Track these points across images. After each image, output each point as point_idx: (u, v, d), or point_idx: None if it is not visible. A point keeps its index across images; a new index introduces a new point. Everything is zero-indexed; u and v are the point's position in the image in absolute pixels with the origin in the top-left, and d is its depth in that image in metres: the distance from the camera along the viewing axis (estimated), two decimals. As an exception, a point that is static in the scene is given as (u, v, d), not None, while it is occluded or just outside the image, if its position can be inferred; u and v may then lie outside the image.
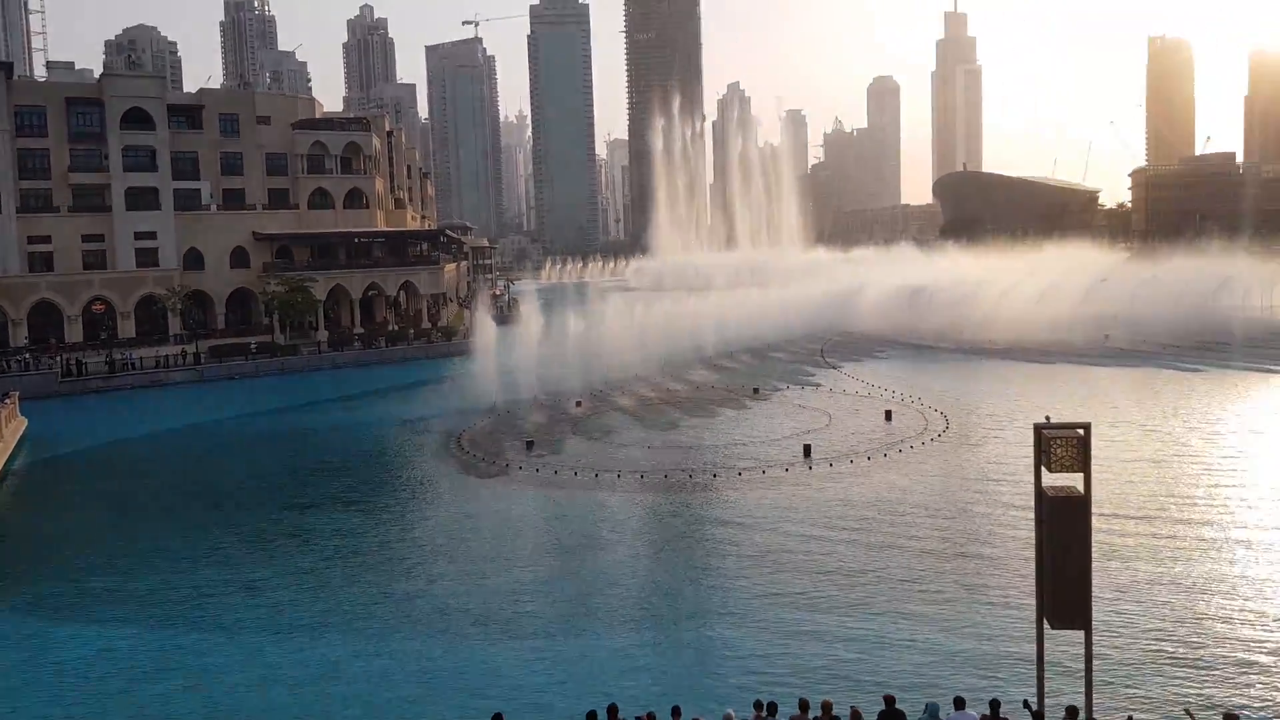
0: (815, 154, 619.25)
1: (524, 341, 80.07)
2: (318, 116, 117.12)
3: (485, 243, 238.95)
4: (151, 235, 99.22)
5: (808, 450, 47.77)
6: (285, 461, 54.99)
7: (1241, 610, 27.46)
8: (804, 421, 55.83)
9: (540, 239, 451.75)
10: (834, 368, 78.40)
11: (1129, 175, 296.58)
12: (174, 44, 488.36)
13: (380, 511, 43.12)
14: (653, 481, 44.37)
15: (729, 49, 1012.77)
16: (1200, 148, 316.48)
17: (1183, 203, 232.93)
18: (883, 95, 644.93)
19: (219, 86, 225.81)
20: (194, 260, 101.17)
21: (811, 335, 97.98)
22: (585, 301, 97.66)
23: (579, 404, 64.23)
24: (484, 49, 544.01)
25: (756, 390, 66.67)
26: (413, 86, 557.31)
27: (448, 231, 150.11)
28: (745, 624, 27.97)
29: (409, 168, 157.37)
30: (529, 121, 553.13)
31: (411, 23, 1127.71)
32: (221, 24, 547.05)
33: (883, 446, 48.71)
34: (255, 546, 38.04)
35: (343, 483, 48.63)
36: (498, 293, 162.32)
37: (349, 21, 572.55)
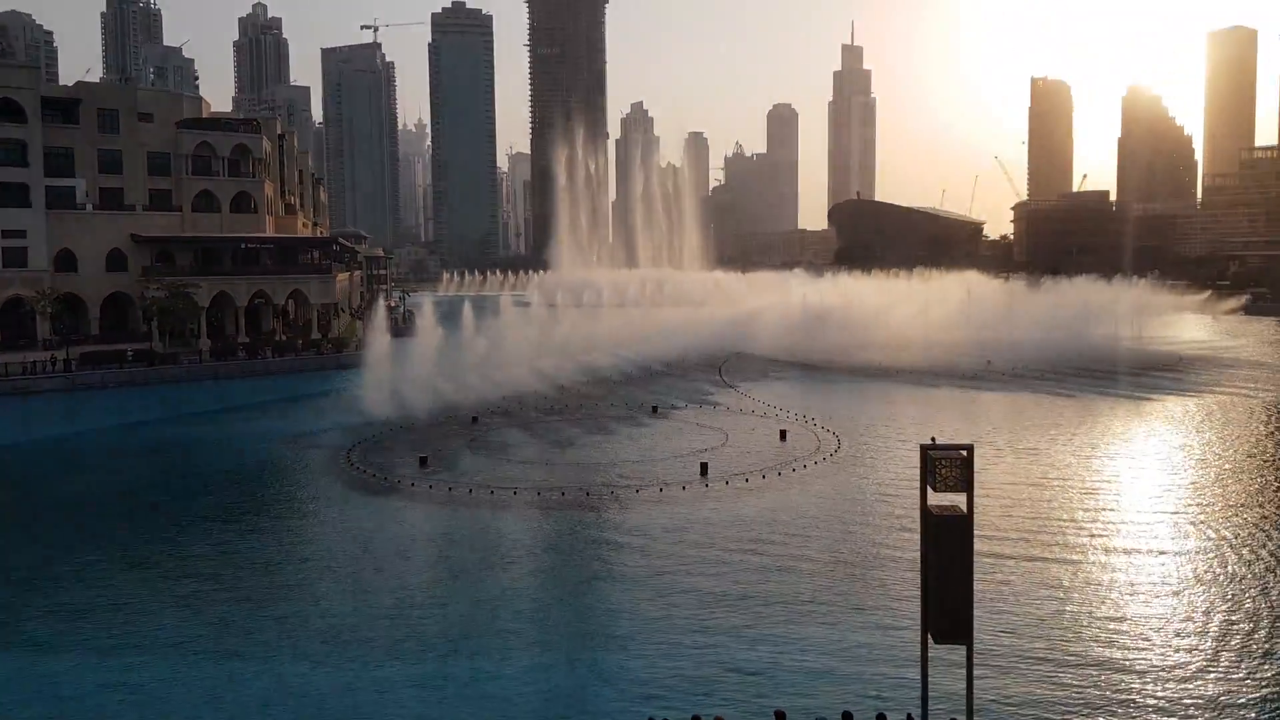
0: (716, 177, 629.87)
1: (419, 355, 78.59)
2: (205, 116, 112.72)
3: (380, 252, 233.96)
4: (20, 234, 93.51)
5: (705, 469, 48.06)
6: (162, 476, 52.39)
7: (1116, 625, 28.66)
8: (701, 440, 56.19)
9: (438, 251, 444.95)
10: (732, 387, 79.29)
11: (1011, 209, 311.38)
12: (50, 33, 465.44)
13: (263, 529, 41.41)
14: (550, 499, 43.88)
15: (633, 68, 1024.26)
16: (1077, 185, 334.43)
17: (1060, 236, 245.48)
18: (781, 122, 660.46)
19: (98, 80, 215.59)
20: (66, 262, 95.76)
21: (710, 355, 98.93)
22: (484, 316, 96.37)
23: (475, 420, 63.21)
24: (383, 55, 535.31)
25: (655, 409, 66.87)
26: (307, 89, 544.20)
27: (341, 239, 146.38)
28: (639, 644, 27.79)
29: (301, 173, 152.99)
30: (429, 131, 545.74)
31: (307, 24, 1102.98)
32: (103, 15, 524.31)
33: (777, 465, 49.36)
34: (126, 566, 35.98)
35: (224, 499, 46.54)
36: (393, 304, 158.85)
37: (240, 19, 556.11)
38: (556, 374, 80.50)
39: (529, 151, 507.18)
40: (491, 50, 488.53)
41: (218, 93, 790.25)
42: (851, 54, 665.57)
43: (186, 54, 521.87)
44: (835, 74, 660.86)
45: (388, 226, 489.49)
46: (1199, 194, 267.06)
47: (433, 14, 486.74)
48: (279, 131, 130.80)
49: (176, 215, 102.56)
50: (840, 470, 48.84)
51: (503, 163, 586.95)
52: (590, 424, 62.64)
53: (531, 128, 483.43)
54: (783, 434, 56.74)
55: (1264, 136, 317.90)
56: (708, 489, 45.12)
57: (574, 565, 35.88)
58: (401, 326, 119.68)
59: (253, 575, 34.83)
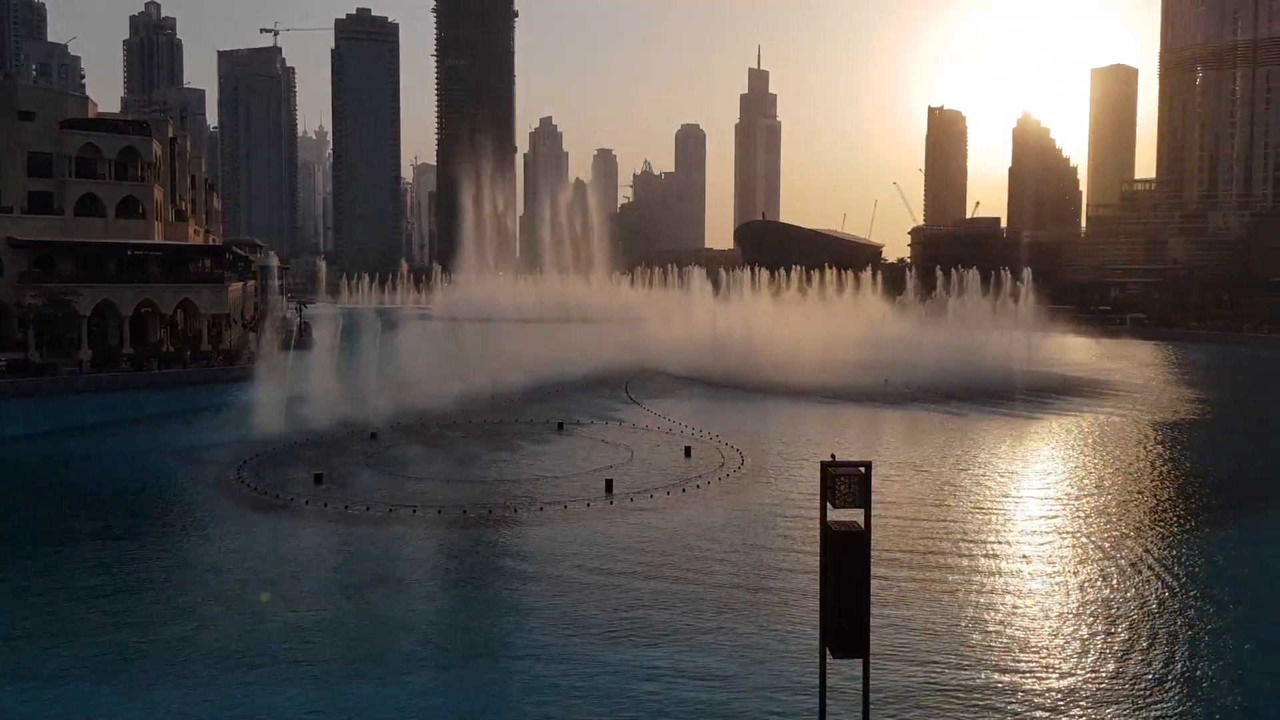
0: (625, 194, 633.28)
1: (316, 368, 76.51)
2: (91, 116, 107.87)
3: (277, 262, 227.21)
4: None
5: (610, 485, 47.87)
6: (38, 492, 49.52)
7: (1007, 639, 29.52)
8: (607, 457, 55.99)
9: (338, 261, 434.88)
10: (637, 404, 79.38)
11: (909, 233, 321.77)
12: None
13: (146, 550, 39.44)
14: (450, 517, 43.02)
15: (543, 83, 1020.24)
16: (970, 211, 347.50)
17: (954, 261, 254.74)
18: (689, 142, 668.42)
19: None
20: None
21: (617, 371, 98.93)
22: (385, 328, 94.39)
23: (374, 436, 61.67)
24: (283, 59, 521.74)
25: (561, 425, 66.37)
26: (201, 93, 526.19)
27: (234, 248, 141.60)
28: (540, 662, 27.45)
29: (194, 178, 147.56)
30: (330, 138, 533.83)
31: (203, 26, 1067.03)
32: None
33: (682, 482, 49.52)
34: (-7, 589, 33.81)
35: (104, 518, 44.16)
36: (289, 315, 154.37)
37: (132, 18, 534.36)
38: (459, 389, 79.20)
39: (435, 163, 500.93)
40: (397, 59, 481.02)
41: (106, 93, 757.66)
42: (758, 78, 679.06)
43: (73, 51, 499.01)
44: (742, 97, 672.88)
45: (285, 235, 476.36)
46: (1084, 223, 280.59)
47: (336, 20, 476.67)
48: (170, 135, 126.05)
49: (58, 219, 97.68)
50: (743, 487, 49.29)
51: (407, 173, 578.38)
52: (494, 441, 61.80)
53: (438, 139, 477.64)
54: (687, 451, 57.01)
55: (1143, 169, 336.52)
56: (612, 506, 44.93)
57: (474, 585, 35.23)
58: (298, 339, 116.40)
59: (135, 599, 33.13)
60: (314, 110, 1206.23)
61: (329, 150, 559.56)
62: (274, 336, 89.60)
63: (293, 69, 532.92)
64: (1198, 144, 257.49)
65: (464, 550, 39.16)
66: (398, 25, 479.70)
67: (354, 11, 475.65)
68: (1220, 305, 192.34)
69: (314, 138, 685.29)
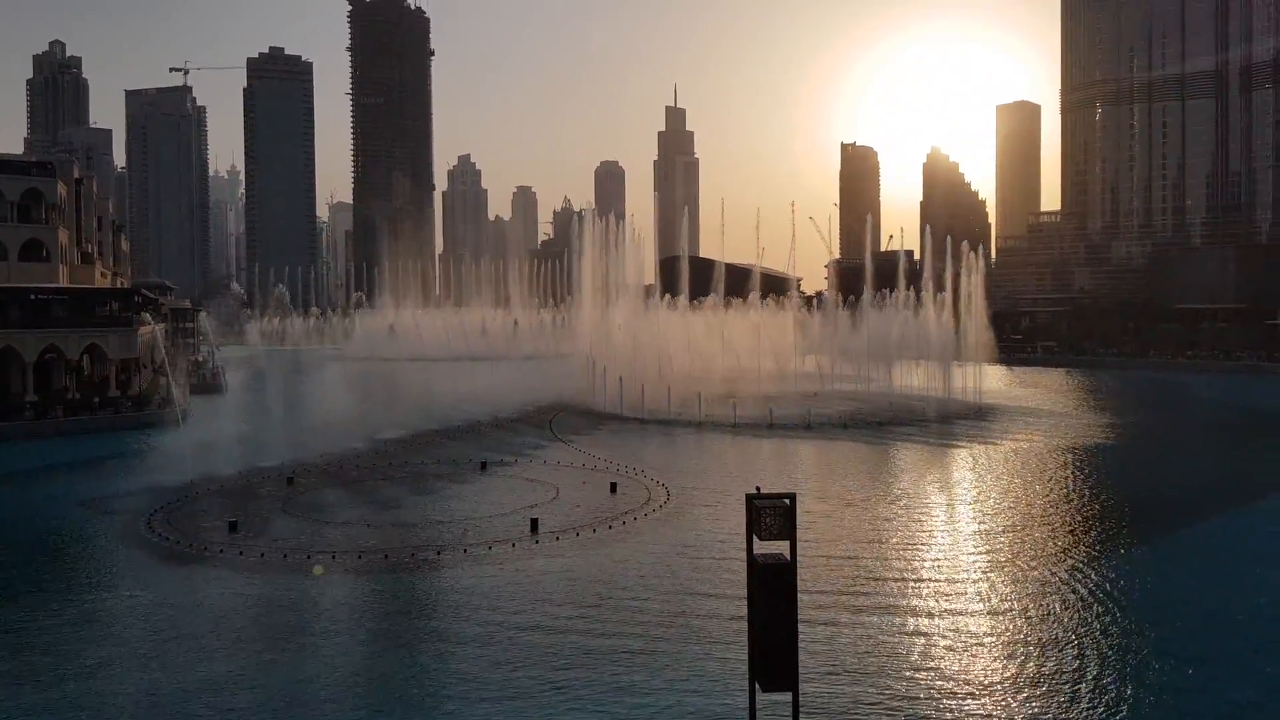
0: (545, 230, 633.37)
1: (229, 412, 74.29)
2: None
3: (188, 304, 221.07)
4: None
5: (535, 525, 47.16)
6: (-75, 551, 46.64)
7: (934, 672, 29.71)
8: (531, 496, 55.25)
9: (252, 302, 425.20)
10: (562, 441, 78.72)
11: (825, 266, 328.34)
12: None
13: (52, 604, 37.32)
14: (371, 562, 41.82)
15: (460, 121, 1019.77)
16: (884, 244, 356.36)
17: (870, 293, 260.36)
18: (609, 179, 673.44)
19: None
20: None
21: (541, 407, 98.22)
22: (301, 369, 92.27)
23: (291, 481, 59.82)
24: (194, 98, 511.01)
25: (484, 465, 65.33)
26: (109, 132, 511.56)
27: (144, 291, 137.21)
28: (464, 709, 26.66)
29: (101, 219, 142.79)
30: (242, 177, 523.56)
31: (110, 64, 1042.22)
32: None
33: (608, 519, 49.06)
34: (-125, 657, 31.57)
35: (5, 571, 41.79)
36: (200, 359, 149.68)
37: (36, 56, 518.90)
38: (379, 431, 77.59)
39: (351, 201, 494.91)
40: (311, 97, 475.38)
41: (8, 133, 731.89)
42: (675, 115, 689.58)
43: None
44: (660, 134, 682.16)
45: (197, 277, 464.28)
46: (993, 254, 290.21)
47: (248, 58, 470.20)
48: (76, 175, 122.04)
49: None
50: (669, 521, 49.07)
51: (323, 212, 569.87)
52: (415, 483, 60.52)
53: (354, 177, 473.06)
54: (613, 487, 56.62)
55: (1049, 202, 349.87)
56: (538, 545, 44.24)
57: (396, 631, 34.20)
58: (210, 382, 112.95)
59: (38, 656, 31.29)
60: (226, 149, 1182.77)
61: (242, 190, 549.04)
62: (185, 381, 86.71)
63: (204, 108, 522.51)
64: (1099, 177, 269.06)
65: (385, 596, 38.05)
66: (312, 64, 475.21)
67: (266, 50, 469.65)
68: (1126, 332, 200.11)
69: (226, 177, 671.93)
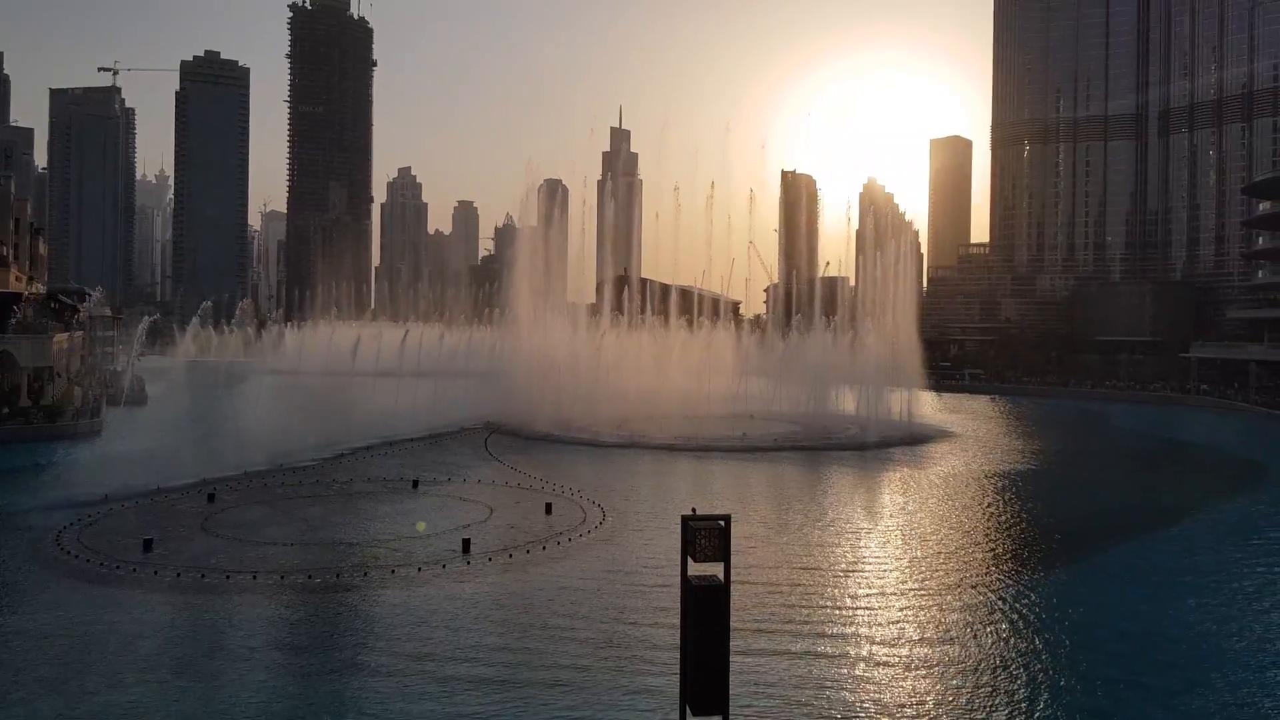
0: (486, 246, 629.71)
1: (149, 425, 71.86)
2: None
3: (109, 311, 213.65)
4: None
5: (467, 545, 46.25)
6: None
7: (866, 696, 29.70)
8: (464, 515, 54.27)
9: (177, 311, 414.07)
10: (497, 459, 77.67)
11: (765, 290, 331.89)
12: None
13: (-57, 628, 35.37)
14: (294, 583, 40.49)
15: (402, 133, 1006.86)
16: (821, 270, 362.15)
17: (808, 317, 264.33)
18: (553, 196, 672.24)
19: None
20: None
21: (475, 425, 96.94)
22: (226, 382, 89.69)
23: (212, 498, 57.84)
24: (123, 99, 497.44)
25: (416, 483, 63.98)
26: (30, 131, 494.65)
27: (60, 296, 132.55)
28: (394, 742, 25.77)
29: (18, 221, 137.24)
30: (171, 183, 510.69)
31: (36, 62, 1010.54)
32: None
33: (542, 540, 48.38)
34: None
35: (-107, 593, 39.56)
36: (119, 368, 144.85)
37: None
38: (307, 447, 75.60)
39: (285, 210, 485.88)
40: (247, 103, 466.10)
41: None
42: (619, 136, 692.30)
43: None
44: (604, 154, 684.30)
45: (119, 284, 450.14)
46: (925, 283, 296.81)
47: (182, 61, 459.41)
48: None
49: None
50: (605, 543, 48.58)
51: (255, 221, 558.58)
52: (344, 501, 59.02)
53: (289, 186, 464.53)
54: (548, 507, 55.91)
55: (978, 234, 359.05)
56: (469, 566, 43.36)
57: (319, 655, 33.06)
58: (129, 393, 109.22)
59: (-76, 686, 29.49)
60: (155, 153, 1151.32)
61: (170, 195, 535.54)
62: (102, 391, 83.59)
63: (133, 110, 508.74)
64: (1026, 212, 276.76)
65: (308, 620, 36.83)
66: (249, 69, 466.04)
67: (202, 54, 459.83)
68: (1049, 361, 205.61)
69: (154, 182, 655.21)
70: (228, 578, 40.84)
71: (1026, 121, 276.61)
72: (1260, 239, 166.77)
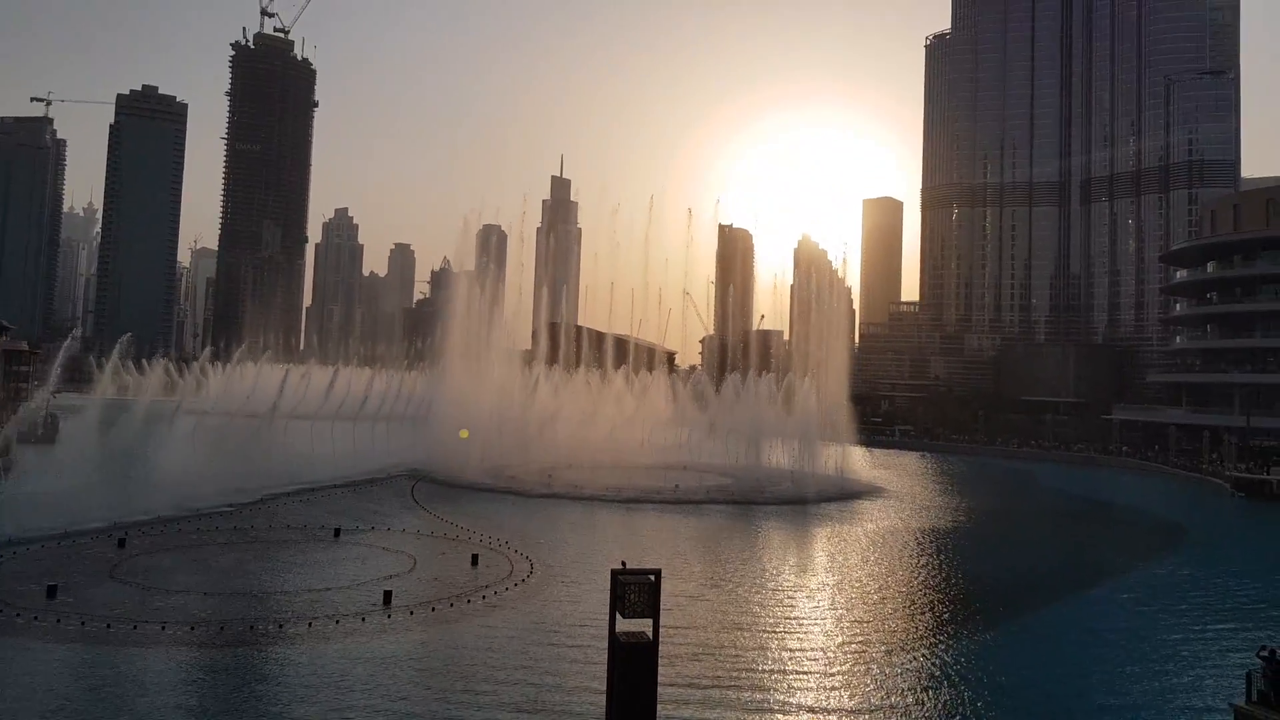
0: (422, 290, 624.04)
1: (60, 466, 68.74)
2: None
3: (25, 346, 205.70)
4: None
5: (388, 597, 44.83)
6: None
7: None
8: (387, 566, 52.73)
9: (98, 347, 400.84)
10: (424, 508, 75.91)
11: (700, 341, 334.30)
12: None
13: None
14: (205, 635, 38.70)
15: (340, 174, 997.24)
16: (756, 323, 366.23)
17: (742, 369, 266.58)
18: (491, 242, 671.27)
19: None
20: None
21: (403, 472, 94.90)
22: (145, 422, 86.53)
23: (122, 543, 55.36)
24: (54, 130, 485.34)
25: (337, 532, 62.08)
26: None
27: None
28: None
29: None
30: (99, 216, 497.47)
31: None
32: None
33: (467, 592, 47.15)
34: None
35: None
36: (34, 405, 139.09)
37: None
38: (226, 492, 73.03)
39: (216, 247, 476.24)
40: (183, 139, 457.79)
41: None
42: (560, 185, 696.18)
43: None
44: (544, 202, 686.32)
45: (39, 317, 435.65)
46: (857, 339, 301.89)
47: (119, 94, 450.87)
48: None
49: None
50: (531, 597, 47.51)
51: (185, 258, 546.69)
52: (262, 549, 56.95)
53: (222, 223, 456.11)
54: (474, 559, 54.63)
55: (909, 293, 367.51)
56: (390, 620, 41.95)
57: (226, 712, 31.43)
58: (42, 432, 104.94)
59: None
60: (85, 186, 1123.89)
61: (97, 229, 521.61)
62: (13, 428, 79.99)
63: (64, 141, 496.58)
64: (954, 273, 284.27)
65: (217, 672, 35.12)
66: (186, 105, 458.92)
67: (139, 88, 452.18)
68: (976, 420, 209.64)
69: (82, 215, 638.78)
70: (135, 627, 38.91)
71: (955, 185, 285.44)
72: (1177, 305, 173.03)
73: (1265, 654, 29.59)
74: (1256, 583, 62.31)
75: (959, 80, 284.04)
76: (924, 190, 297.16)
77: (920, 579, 58.05)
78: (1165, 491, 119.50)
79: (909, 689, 36.05)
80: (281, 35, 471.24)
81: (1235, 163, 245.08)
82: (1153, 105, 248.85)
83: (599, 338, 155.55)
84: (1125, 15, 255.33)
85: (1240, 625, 49.42)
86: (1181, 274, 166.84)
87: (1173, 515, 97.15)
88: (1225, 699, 33.05)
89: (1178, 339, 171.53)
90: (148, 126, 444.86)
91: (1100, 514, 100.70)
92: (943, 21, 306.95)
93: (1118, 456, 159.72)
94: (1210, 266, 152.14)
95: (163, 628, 38.99)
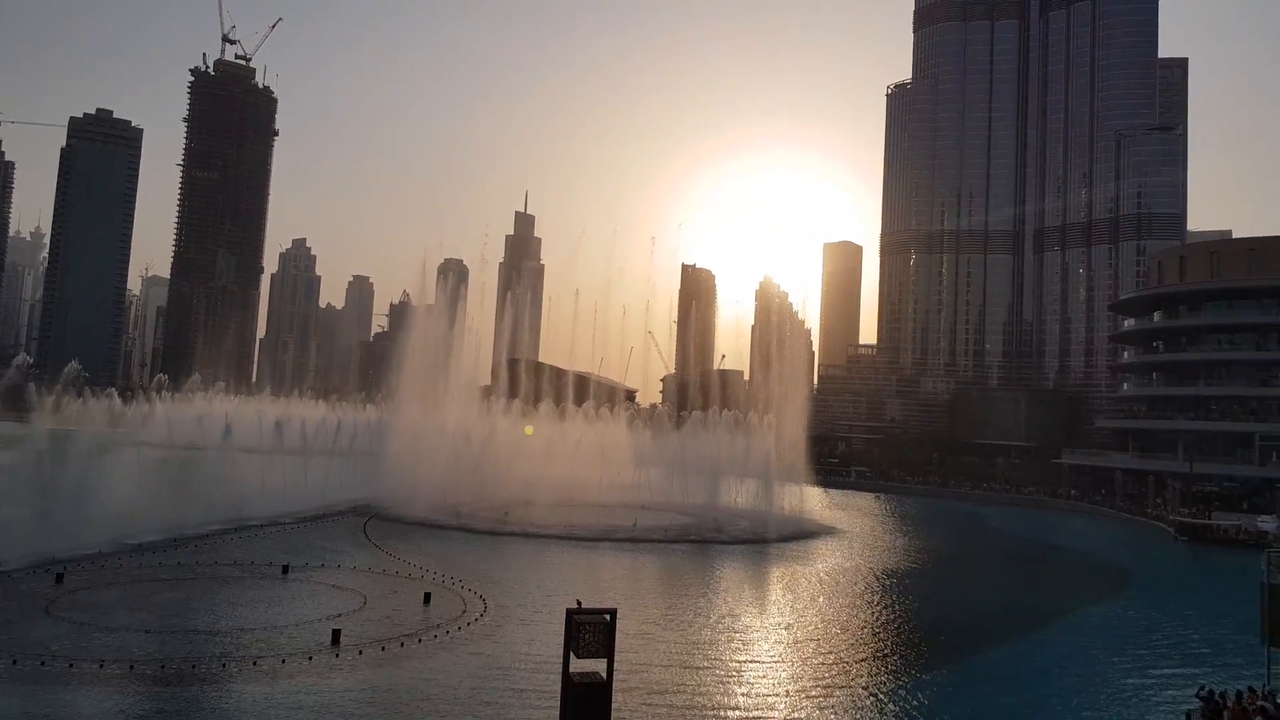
0: (380, 323, 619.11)
1: (-4, 496, 66.21)
2: None
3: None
4: None
5: (337, 636, 43.72)
6: None
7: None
8: (336, 604, 51.47)
9: (42, 375, 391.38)
10: (376, 545, 74.45)
11: (661, 379, 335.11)
12: None
13: None
14: (145, 674, 37.35)
15: (298, 204, 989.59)
16: (717, 363, 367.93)
17: (702, 408, 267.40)
18: (452, 277, 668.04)
19: None
20: None
21: (354, 508, 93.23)
22: (89, 453, 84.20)
23: (60, 579, 53.48)
24: (2, 152, 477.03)
25: (286, 569, 60.55)
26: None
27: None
28: None
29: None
30: (47, 241, 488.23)
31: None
32: None
33: (419, 631, 46.14)
34: None
35: None
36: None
37: None
38: (171, 526, 71.12)
39: (168, 275, 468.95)
40: (137, 164, 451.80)
41: None
42: (524, 221, 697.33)
43: None
44: (508, 237, 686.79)
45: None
46: (815, 380, 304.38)
47: (71, 117, 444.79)
48: None
49: None
50: (484, 636, 46.60)
51: (136, 286, 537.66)
52: (207, 586, 55.35)
53: (175, 251, 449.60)
54: (426, 597, 53.57)
55: (867, 336, 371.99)
56: (338, 659, 40.85)
57: (165, 758, 30.24)
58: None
59: None
60: (33, 210, 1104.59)
61: (44, 253, 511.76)
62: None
63: (12, 163, 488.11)
64: (911, 317, 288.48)
65: (156, 714, 33.83)
66: (142, 130, 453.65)
67: (94, 111, 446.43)
68: (930, 462, 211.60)
69: (29, 239, 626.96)
70: (71, 666, 37.48)
71: (913, 231, 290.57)
72: (1125, 353, 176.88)
73: (1204, 694, 29.95)
74: (1199, 625, 63.14)
75: (918, 129, 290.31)
76: (883, 235, 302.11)
77: (876, 620, 57.95)
78: (1112, 535, 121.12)
79: (866, 734, 35.74)
80: (243, 62, 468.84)
81: (1182, 215, 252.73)
82: (1104, 158, 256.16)
83: (558, 374, 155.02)
84: (1079, 70, 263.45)
85: (1181, 666, 50.04)
86: (1129, 323, 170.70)
87: (1119, 559, 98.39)
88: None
89: (1125, 386, 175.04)
90: (101, 150, 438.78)
91: (1050, 556, 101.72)
92: (904, 71, 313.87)
93: (1067, 500, 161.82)
94: (1157, 316, 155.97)
95: (100, 666, 37.61)
